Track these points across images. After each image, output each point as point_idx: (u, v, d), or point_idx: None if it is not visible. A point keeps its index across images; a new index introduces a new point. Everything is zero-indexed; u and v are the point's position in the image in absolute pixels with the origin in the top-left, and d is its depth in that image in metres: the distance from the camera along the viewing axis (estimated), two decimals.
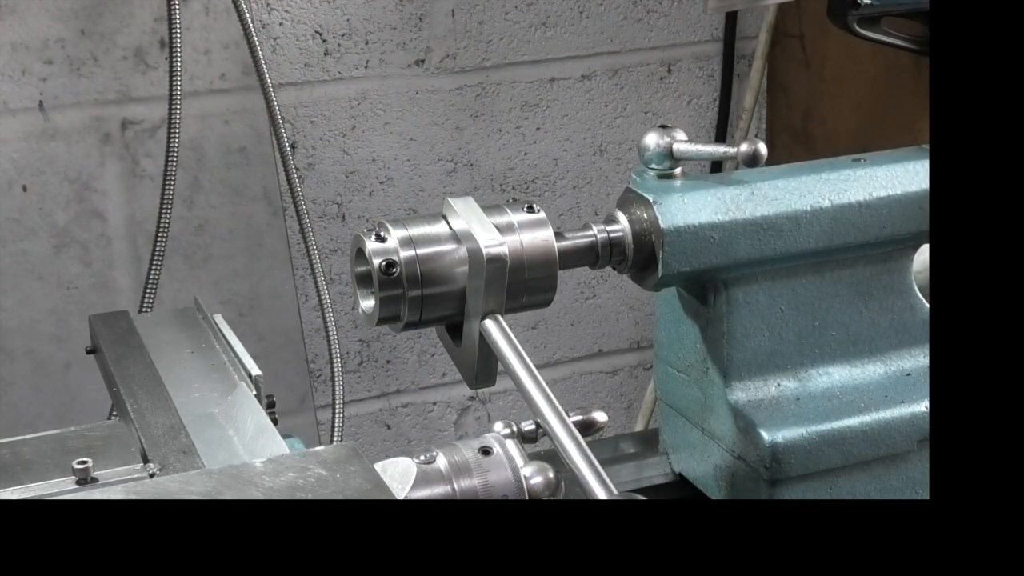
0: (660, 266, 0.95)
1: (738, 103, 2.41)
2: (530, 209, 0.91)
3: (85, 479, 0.94)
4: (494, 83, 2.26)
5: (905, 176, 1.00)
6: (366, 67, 2.11)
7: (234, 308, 2.15)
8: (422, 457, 0.90)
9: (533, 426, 0.93)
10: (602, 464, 0.79)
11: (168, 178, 1.93)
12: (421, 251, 0.88)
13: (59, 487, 0.95)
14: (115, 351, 1.13)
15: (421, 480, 0.88)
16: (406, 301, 0.88)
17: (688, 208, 0.95)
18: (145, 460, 0.97)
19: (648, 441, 1.13)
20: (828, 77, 2.28)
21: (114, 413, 1.24)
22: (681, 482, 1.09)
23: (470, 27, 2.16)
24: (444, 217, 0.90)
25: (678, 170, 0.99)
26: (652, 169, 0.99)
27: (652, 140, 0.98)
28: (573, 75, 2.31)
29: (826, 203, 0.98)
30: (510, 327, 0.88)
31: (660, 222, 0.94)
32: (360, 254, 0.89)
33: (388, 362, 2.37)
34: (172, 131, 1.92)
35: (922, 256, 1.04)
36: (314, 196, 2.17)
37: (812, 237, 0.98)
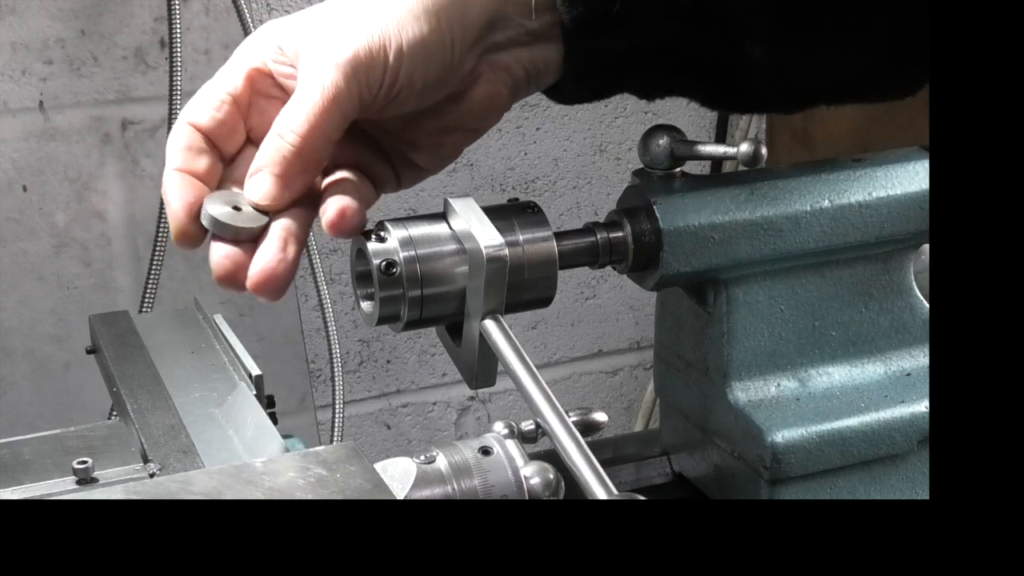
0: (660, 266, 0.95)
1: None
2: (530, 209, 0.91)
3: (85, 479, 0.94)
4: None
5: (905, 176, 1.00)
6: None
7: (234, 308, 2.15)
8: (422, 457, 0.90)
9: (533, 426, 0.93)
10: (602, 464, 0.79)
11: None
12: (421, 251, 0.88)
13: (59, 487, 0.95)
14: (115, 351, 1.13)
15: (421, 480, 0.88)
16: (406, 301, 0.88)
17: (688, 208, 0.95)
18: (145, 460, 0.97)
19: (648, 441, 1.13)
20: None
21: (114, 413, 1.24)
22: (681, 482, 1.09)
23: None
24: (444, 217, 0.90)
25: (678, 170, 0.99)
26: (652, 169, 0.99)
27: (652, 140, 0.98)
28: None
29: (826, 203, 0.98)
30: (510, 327, 0.88)
31: (660, 222, 0.94)
32: (360, 254, 0.89)
33: (388, 362, 2.37)
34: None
35: (922, 256, 1.04)
36: None
37: (812, 237, 0.98)
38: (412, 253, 0.87)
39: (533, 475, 0.88)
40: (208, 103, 0.86)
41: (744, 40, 0.89)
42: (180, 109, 1.91)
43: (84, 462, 0.95)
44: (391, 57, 0.83)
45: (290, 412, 2.21)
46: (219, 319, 1.18)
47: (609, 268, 0.98)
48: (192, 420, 1.01)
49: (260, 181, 0.84)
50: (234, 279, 0.84)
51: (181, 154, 0.85)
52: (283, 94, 0.87)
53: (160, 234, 1.93)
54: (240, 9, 1.95)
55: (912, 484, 1.01)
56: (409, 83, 0.84)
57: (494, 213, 0.90)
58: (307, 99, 0.82)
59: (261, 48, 0.87)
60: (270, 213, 0.84)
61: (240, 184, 0.86)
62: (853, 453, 0.98)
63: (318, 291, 2.10)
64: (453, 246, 0.89)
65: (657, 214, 0.94)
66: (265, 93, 0.87)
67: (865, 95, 0.97)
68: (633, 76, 0.93)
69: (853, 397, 1.01)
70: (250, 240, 0.84)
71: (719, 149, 0.98)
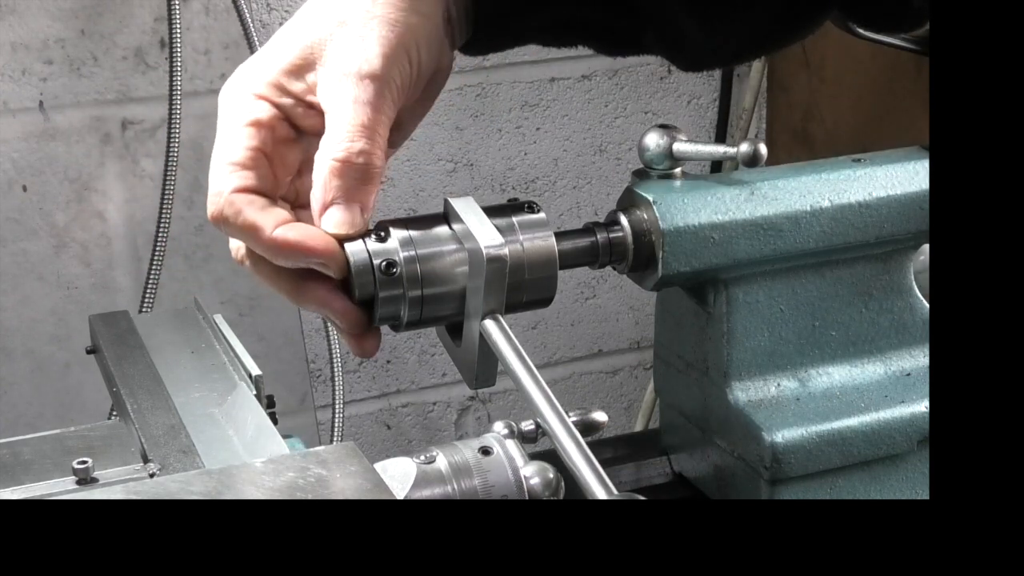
0: (660, 266, 0.95)
1: (738, 103, 2.41)
2: (530, 209, 0.91)
3: (85, 479, 0.94)
4: (494, 83, 2.25)
5: (905, 176, 1.01)
6: None
7: (234, 308, 2.15)
8: (422, 457, 0.90)
9: (533, 426, 0.93)
10: (602, 464, 0.79)
11: (168, 178, 1.93)
12: (421, 251, 0.88)
13: (59, 487, 0.95)
14: (115, 351, 1.13)
15: (421, 480, 0.88)
16: (406, 301, 0.88)
17: (688, 208, 0.95)
18: (145, 460, 0.97)
19: (648, 441, 1.13)
20: (828, 77, 2.28)
21: (114, 413, 1.24)
22: (681, 482, 1.09)
23: None
24: (444, 217, 0.90)
25: (678, 170, 0.99)
26: (652, 169, 0.99)
27: (652, 140, 0.98)
28: (573, 75, 2.31)
29: (826, 203, 0.98)
30: (510, 327, 0.88)
31: (660, 222, 0.94)
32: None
33: (388, 362, 2.37)
34: (172, 131, 1.92)
35: (922, 256, 1.04)
36: None
37: (812, 237, 0.98)
38: (412, 253, 0.87)
39: (533, 475, 0.88)
40: (246, 166, 0.84)
41: (661, 21, 0.91)
42: (180, 109, 1.92)
43: (84, 462, 0.95)
44: (412, 56, 0.85)
45: (290, 412, 2.21)
46: (219, 319, 1.18)
47: (609, 268, 0.98)
48: (192, 420, 1.01)
49: (335, 213, 0.85)
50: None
51: (273, 217, 0.84)
52: (298, 134, 0.87)
53: (160, 234, 1.93)
54: (240, 9, 1.95)
55: (912, 484, 1.01)
56: (423, 73, 0.87)
57: (494, 213, 0.90)
58: (350, 117, 0.83)
59: (271, 95, 0.86)
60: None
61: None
62: (853, 453, 0.98)
63: None
64: (453, 246, 0.89)
65: (657, 214, 0.95)
66: (283, 138, 0.87)
67: (776, 45, 0.99)
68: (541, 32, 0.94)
69: (853, 397, 1.01)
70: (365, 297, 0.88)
71: (719, 149, 0.98)
